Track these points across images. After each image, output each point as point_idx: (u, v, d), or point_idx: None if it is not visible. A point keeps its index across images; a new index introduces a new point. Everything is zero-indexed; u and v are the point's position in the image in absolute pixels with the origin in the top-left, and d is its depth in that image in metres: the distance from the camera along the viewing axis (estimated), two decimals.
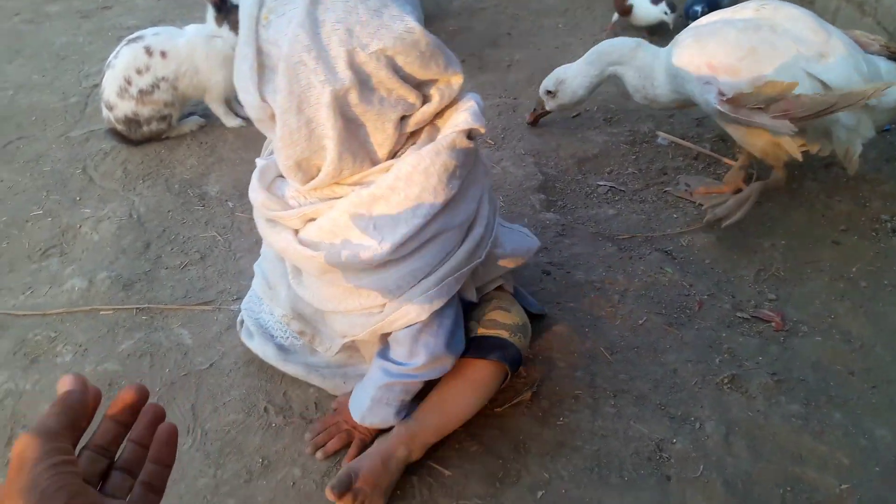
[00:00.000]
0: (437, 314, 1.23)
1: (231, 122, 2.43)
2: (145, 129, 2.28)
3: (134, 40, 2.23)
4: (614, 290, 1.74)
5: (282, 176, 1.24)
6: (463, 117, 1.18)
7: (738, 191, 2.09)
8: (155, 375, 1.53)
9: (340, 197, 1.17)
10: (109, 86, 2.22)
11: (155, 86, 2.21)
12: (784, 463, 1.32)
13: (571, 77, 2.18)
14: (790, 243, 1.89)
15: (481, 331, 1.38)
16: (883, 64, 1.74)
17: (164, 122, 2.30)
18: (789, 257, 1.84)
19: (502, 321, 1.38)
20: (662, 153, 2.32)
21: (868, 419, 1.40)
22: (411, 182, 1.13)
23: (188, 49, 2.26)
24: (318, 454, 1.36)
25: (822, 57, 1.68)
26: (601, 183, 2.19)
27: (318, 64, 1.03)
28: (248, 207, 2.06)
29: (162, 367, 1.55)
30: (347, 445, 1.37)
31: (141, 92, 2.21)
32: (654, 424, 1.40)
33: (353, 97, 1.06)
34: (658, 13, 2.88)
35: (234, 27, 2.24)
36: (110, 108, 2.25)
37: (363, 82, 1.06)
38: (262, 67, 1.08)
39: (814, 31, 1.71)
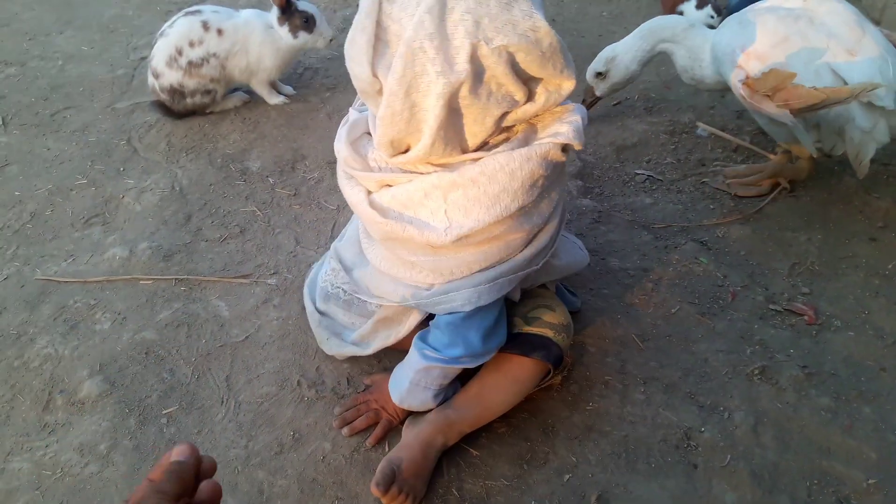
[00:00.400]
0: (482, 308, 1.24)
1: (274, 99, 2.46)
2: (189, 101, 2.32)
3: (192, 13, 2.27)
4: (648, 278, 1.74)
5: (370, 133, 1.24)
6: (564, 129, 1.16)
7: (776, 185, 2.08)
8: (191, 346, 1.57)
9: (421, 173, 1.17)
10: (160, 54, 2.27)
11: (205, 60, 2.25)
12: (812, 455, 1.32)
13: (622, 52, 2.14)
14: (826, 238, 1.87)
15: (526, 329, 1.39)
16: None
17: (209, 96, 2.34)
18: (825, 252, 1.82)
19: (548, 320, 1.38)
20: (702, 144, 2.30)
21: None
22: (494, 180, 1.12)
23: (245, 31, 2.30)
24: (345, 430, 1.39)
25: (850, 54, 1.67)
26: (639, 171, 2.19)
27: (438, 54, 1.01)
28: (288, 184, 2.10)
29: (199, 337, 1.59)
30: (374, 424, 1.40)
31: (190, 64, 2.25)
32: (683, 413, 1.41)
33: (465, 90, 1.04)
34: (703, 17, 2.82)
35: (293, 30, 2.30)
36: (157, 76, 2.29)
37: (477, 76, 1.05)
38: (378, 41, 1.06)
39: (849, 28, 1.69)
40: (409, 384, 1.33)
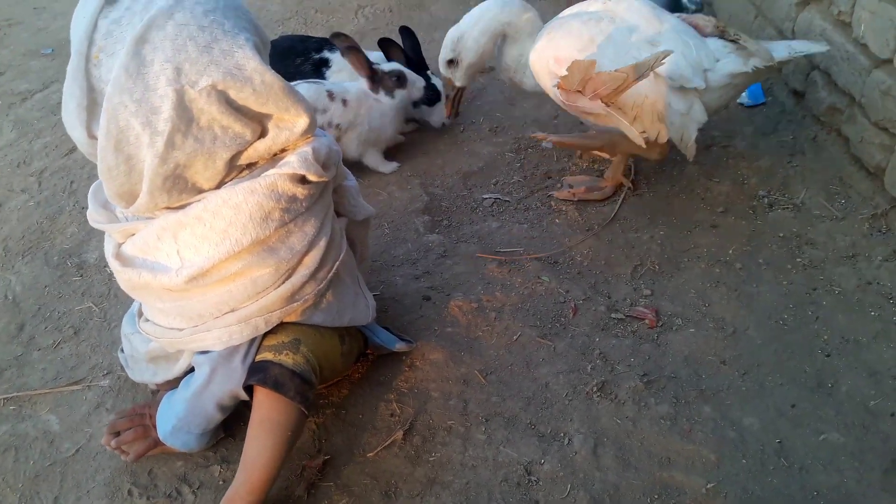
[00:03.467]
0: (239, 347, 1.25)
1: (388, 167, 2.33)
2: None
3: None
4: (492, 307, 1.71)
5: None
6: (292, 159, 1.18)
7: (620, 186, 2.08)
8: (18, 470, 1.46)
9: (156, 217, 1.19)
10: None
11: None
12: (652, 469, 1.30)
13: (468, 28, 1.96)
14: (668, 233, 1.87)
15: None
16: (713, 44, 1.76)
17: None
18: (667, 248, 1.82)
19: (267, 343, 1.27)
20: (547, 157, 2.30)
21: (737, 409, 1.38)
22: (218, 215, 1.14)
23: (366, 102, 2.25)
24: (112, 442, 1.38)
25: (653, 45, 1.70)
26: (486, 196, 2.16)
27: (141, 106, 1.05)
28: None
29: (27, 459, 1.48)
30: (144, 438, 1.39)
31: None
32: (524, 447, 1.37)
33: (179, 138, 1.07)
34: None
35: (389, 91, 2.25)
36: None
37: (192, 121, 1.08)
38: (95, 105, 1.10)
39: (647, 21, 1.74)
40: (171, 428, 1.31)
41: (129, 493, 1.39)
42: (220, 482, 1.39)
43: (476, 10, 1.99)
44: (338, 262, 1.32)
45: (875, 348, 1.46)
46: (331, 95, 2.20)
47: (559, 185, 2.13)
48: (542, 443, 1.37)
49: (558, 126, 2.40)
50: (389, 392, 1.52)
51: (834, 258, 1.70)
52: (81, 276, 2.01)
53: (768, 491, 1.24)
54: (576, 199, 2.06)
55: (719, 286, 1.68)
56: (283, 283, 1.22)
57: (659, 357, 1.51)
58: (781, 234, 1.81)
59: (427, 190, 2.20)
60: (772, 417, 1.36)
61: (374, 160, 2.32)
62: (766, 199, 1.93)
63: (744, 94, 2.31)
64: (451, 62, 2.05)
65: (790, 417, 1.36)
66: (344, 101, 2.21)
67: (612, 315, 1.63)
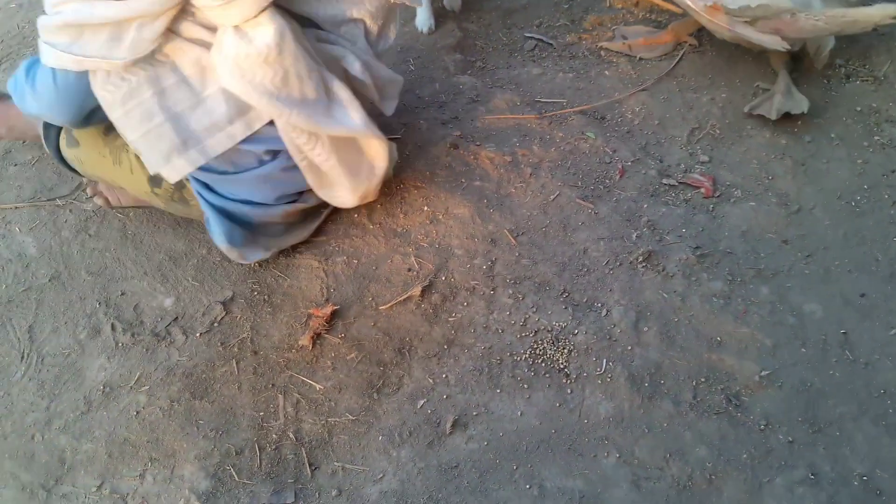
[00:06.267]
0: None
1: None
2: None
3: None
4: (527, 162, 1.52)
5: None
6: None
7: (681, 42, 1.84)
8: None
9: None
10: None
11: None
12: (700, 350, 1.16)
13: None
14: (731, 96, 1.66)
15: None
16: None
17: None
18: (728, 112, 1.61)
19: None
20: (599, 0, 2.04)
21: (798, 293, 1.23)
22: None
23: None
24: None
25: None
26: (529, 35, 1.92)
27: None
28: None
29: None
30: None
31: None
32: (556, 315, 1.22)
33: None
34: None
35: None
36: None
37: None
38: None
39: None
40: None
41: (113, 327, 1.26)
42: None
43: None
44: None
45: None
46: None
47: (611, 35, 1.89)
48: (576, 312, 1.22)
49: None
50: (407, 245, 1.36)
51: None
52: None
53: (829, 384, 1.10)
54: (630, 53, 1.83)
55: (785, 158, 1.49)
56: None
57: (714, 230, 1.35)
58: (858, 109, 1.60)
59: (460, 25, 1.95)
60: (837, 306, 1.21)
61: None
62: (843, 70, 1.70)
63: None
64: None
65: (858, 307, 1.21)
66: None
67: (664, 181, 1.45)
